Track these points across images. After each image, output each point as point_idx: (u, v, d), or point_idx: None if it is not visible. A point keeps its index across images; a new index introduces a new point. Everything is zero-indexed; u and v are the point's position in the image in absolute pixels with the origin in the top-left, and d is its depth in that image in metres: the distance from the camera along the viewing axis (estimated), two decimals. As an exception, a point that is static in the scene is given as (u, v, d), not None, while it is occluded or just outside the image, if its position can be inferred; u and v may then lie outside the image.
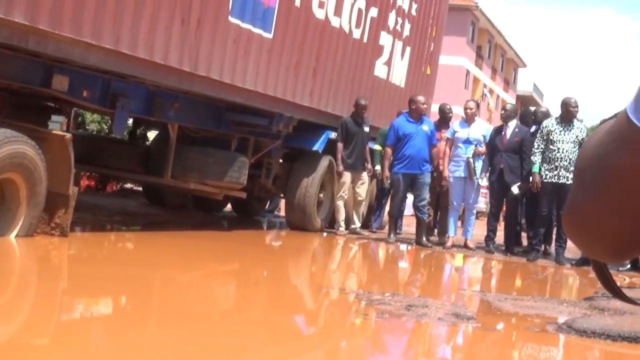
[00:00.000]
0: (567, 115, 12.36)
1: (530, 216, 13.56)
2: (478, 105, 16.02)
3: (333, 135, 13.64)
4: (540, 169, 12.32)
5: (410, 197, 14.11)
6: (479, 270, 12.40)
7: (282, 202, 15.30)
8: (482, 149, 13.32)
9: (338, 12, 13.23)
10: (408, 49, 16.07)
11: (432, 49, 17.30)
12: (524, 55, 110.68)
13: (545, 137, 12.32)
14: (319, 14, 12.74)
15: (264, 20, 11.37)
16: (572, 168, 11.22)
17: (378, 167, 14.27)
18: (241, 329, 5.88)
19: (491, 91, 59.19)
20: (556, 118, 12.53)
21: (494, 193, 13.64)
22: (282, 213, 15.27)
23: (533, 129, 13.36)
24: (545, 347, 6.55)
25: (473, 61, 54.22)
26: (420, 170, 13.09)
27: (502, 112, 13.66)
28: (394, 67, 15.61)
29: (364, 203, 14.40)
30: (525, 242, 13.99)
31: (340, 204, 13.83)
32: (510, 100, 61.58)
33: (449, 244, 13.39)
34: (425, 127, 13.21)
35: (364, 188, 14.14)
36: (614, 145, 0.90)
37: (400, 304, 7.03)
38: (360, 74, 14.46)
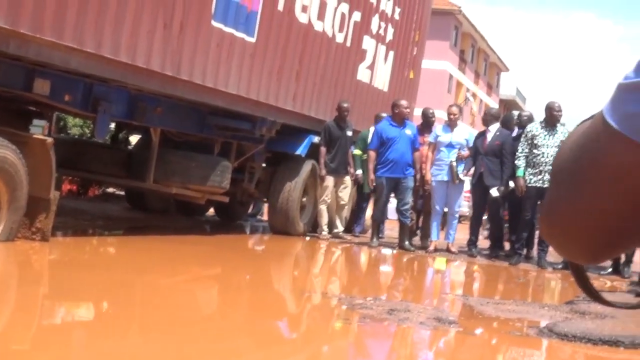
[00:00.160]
0: (551, 119, 12.39)
1: (513, 220, 13.58)
2: (461, 110, 16.03)
3: (316, 139, 13.64)
4: (524, 174, 12.36)
5: (392, 202, 14.11)
6: (461, 274, 12.43)
7: (265, 206, 15.28)
8: (465, 152, 13.34)
9: (321, 16, 13.23)
10: (391, 53, 16.08)
11: (415, 53, 17.32)
12: (507, 59, 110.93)
13: (529, 142, 12.36)
14: (302, 18, 12.74)
15: (247, 25, 11.36)
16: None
17: (359, 172, 14.28)
18: (223, 334, 5.87)
19: (474, 95, 59.31)
20: (540, 122, 12.56)
21: (475, 197, 13.69)
22: (265, 217, 15.25)
23: (515, 132, 13.41)
24: (526, 351, 6.57)
25: (456, 65, 54.33)
26: (403, 174, 13.11)
27: (484, 115, 13.72)
28: (377, 71, 15.62)
29: (346, 207, 14.40)
30: (507, 246, 14.02)
31: (322, 208, 13.82)
32: (493, 104, 61.71)
33: (431, 248, 13.41)
34: (408, 131, 13.23)
35: (347, 192, 14.13)
36: (590, 147, 0.90)
37: (382, 308, 7.04)
38: (344, 78, 14.47)
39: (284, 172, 13.48)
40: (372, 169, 13.31)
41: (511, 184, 12.83)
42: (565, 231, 0.95)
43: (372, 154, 13.31)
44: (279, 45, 12.28)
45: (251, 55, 11.61)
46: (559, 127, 12.42)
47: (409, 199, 13.27)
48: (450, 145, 13.29)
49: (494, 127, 13.27)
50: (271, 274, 10.35)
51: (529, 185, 12.30)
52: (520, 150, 12.42)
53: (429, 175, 13.38)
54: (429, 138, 13.62)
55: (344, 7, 13.88)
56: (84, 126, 19.86)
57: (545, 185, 12.07)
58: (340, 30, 13.97)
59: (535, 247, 13.30)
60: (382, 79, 15.93)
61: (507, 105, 66.33)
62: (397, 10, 15.94)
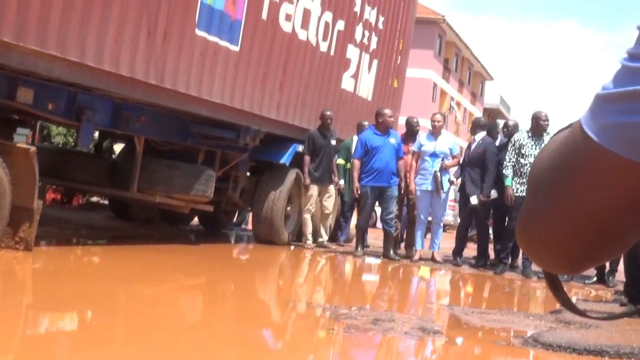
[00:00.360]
0: (538, 128, 12.41)
1: (498, 229, 13.60)
2: (445, 118, 16.06)
3: (300, 148, 13.63)
4: (512, 182, 12.38)
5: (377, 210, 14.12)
6: (446, 284, 12.43)
7: (250, 216, 15.26)
8: (449, 162, 13.36)
9: (305, 25, 13.23)
10: (375, 62, 16.10)
11: (399, 62, 17.34)
12: (491, 68, 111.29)
13: (517, 151, 12.38)
14: (286, 27, 12.74)
15: (231, 33, 11.35)
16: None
17: (342, 182, 14.28)
18: (208, 344, 5.84)
19: (458, 104, 59.48)
20: (527, 132, 12.57)
21: (460, 206, 13.72)
22: (250, 226, 15.23)
23: (498, 141, 13.44)
24: (511, 361, 6.56)
25: (440, 74, 54.46)
26: (388, 183, 13.12)
27: (472, 125, 13.78)
28: (361, 80, 15.63)
29: (331, 216, 14.39)
30: (492, 255, 14.03)
31: (307, 217, 13.81)
32: (478, 113, 61.91)
33: (416, 257, 13.40)
34: (392, 140, 13.24)
35: (331, 201, 14.12)
36: (568, 157, 0.90)
37: (366, 318, 7.02)
38: (327, 87, 14.47)
39: (268, 181, 13.47)
40: (356, 177, 13.30)
41: (493, 193, 12.85)
42: (543, 241, 0.95)
43: (357, 162, 13.31)
44: (263, 53, 12.27)
45: (235, 64, 11.60)
46: (545, 136, 12.44)
47: (394, 207, 13.28)
48: (434, 155, 13.29)
49: (480, 137, 13.30)
50: (256, 283, 10.32)
51: (517, 194, 12.32)
52: (507, 159, 12.44)
53: (413, 185, 13.38)
54: (413, 147, 13.62)
55: (328, 16, 13.89)
56: (68, 135, 19.81)
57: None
58: (324, 39, 13.97)
59: (521, 256, 13.31)
60: (366, 88, 15.94)
61: (492, 114, 66.58)
62: (381, 19, 15.96)
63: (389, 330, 6.58)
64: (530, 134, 12.47)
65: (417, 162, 13.43)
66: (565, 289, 1.04)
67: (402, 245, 14.50)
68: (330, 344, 6.58)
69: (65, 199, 16.68)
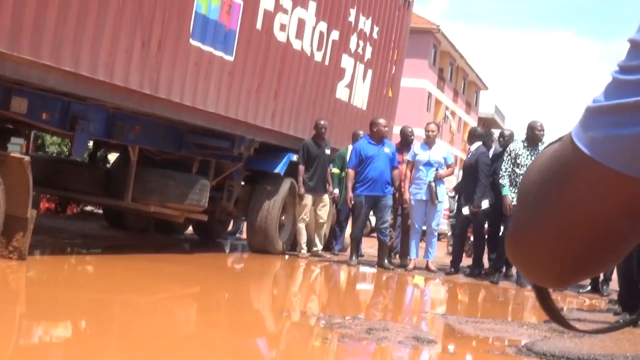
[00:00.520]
0: (533, 138, 12.40)
1: (492, 238, 13.60)
2: (439, 128, 16.08)
3: (295, 157, 13.64)
4: (508, 192, 12.37)
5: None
6: (440, 293, 12.42)
7: (244, 225, 15.25)
8: (443, 172, 13.37)
9: (299, 35, 13.26)
10: (370, 72, 16.12)
11: (393, 72, 17.36)
12: (486, 77, 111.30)
13: (513, 160, 12.37)
14: (281, 36, 12.76)
15: (225, 43, 11.36)
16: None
17: (337, 191, 14.29)
18: (202, 353, 5.83)
19: (453, 113, 59.55)
20: (522, 141, 12.56)
21: (457, 215, 13.73)
22: (244, 235, 15.22)
23: (492, 151, 13.45)
24: (505, 370, 6.56)
25: (435, 84, 54.54)
26: (382, 192, 13.13)
27: (468, 135, 13.80)
28: (355, 89, 15.64)
29: (325, 225, 14.38)
30: (487, 263, 14.03)
31: (301, 226, 13.82)
32: (472, 122, 62.01)
33: (410, 266, 13.40)
34: (386, 150, 13.26)
35: (326, 210, 14.12)
36: (559, 170, 0.89)
37: (360, 327, 7.02)
38: (322, 97, 14.48)
39: (262, 190, 13.47)
40: (350, 187, 13.31)
41: (484, 203, 12.84)
42: (532, 254, 0.94)
43: (351, 172, 13.32)
44: (258, 63, 12.28)
45: (229, 73, 11.61)
46: (540, 146, 12.43)
47: (388, 217, 13.29)
48: (428, 164, 13.30)
49: (475, 146, 13.32)
50: (250, 292, 10.31)
51: (513, 204, 12.31)
52: (504, 169, 12.43)
53: (407, 194, 13.39)
54: (407, 156, 13.63)
55: (323, 26, 13.91)
56: (62, 144, 19.83)
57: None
58: (319, 49, 13.99)
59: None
60: (360, 98, 15.95)
61: (486, 123, 66.54)
62: (376, 29, 15.99)
63: (383, 339, 6.58)
64: (525, 144, 12.46)
65: (411, 172, 13.43)
66: (555, 301, 1.03)
67: (397, 254, 14.51)
68: (324, 354, 6.57)
69: (59, 208, 16.67)
